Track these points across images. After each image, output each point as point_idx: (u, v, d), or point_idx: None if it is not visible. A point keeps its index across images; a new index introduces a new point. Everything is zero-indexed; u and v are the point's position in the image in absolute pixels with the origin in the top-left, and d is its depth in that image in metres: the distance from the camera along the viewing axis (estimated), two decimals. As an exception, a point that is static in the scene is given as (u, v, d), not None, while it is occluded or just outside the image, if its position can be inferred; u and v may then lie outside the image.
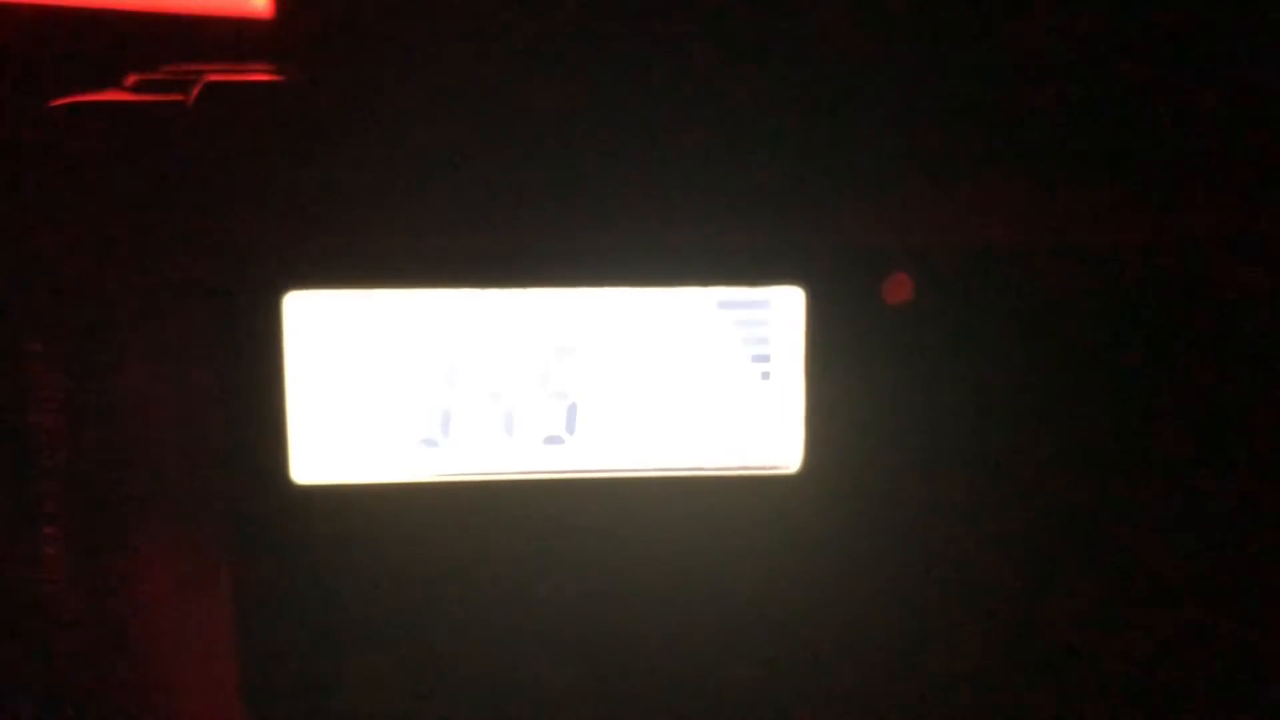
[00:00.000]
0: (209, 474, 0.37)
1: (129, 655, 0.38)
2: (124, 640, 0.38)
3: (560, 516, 0.39)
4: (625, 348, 0.38)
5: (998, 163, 0.38)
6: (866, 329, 0.38)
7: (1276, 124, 0.39)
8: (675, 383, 0.39)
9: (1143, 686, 0.41)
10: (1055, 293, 0.38)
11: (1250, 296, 0.39)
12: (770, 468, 0.39)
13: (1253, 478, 0.40)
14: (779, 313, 0.38)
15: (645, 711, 0.40)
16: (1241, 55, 0.39)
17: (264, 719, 0.39)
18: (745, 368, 0.39)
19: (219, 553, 0.38)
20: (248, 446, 0.37)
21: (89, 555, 0.38)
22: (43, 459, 0.37)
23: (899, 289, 0.38)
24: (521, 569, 0.39)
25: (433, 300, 0.37)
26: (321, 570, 0.38)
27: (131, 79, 0.38)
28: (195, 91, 0.36)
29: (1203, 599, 0.40)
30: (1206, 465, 0.40)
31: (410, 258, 0.37)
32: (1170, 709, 0.41)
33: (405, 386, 0.38)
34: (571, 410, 0.39)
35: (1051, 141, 0.38)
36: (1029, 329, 0.38)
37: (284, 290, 0.37)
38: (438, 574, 0.38)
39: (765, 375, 0.39)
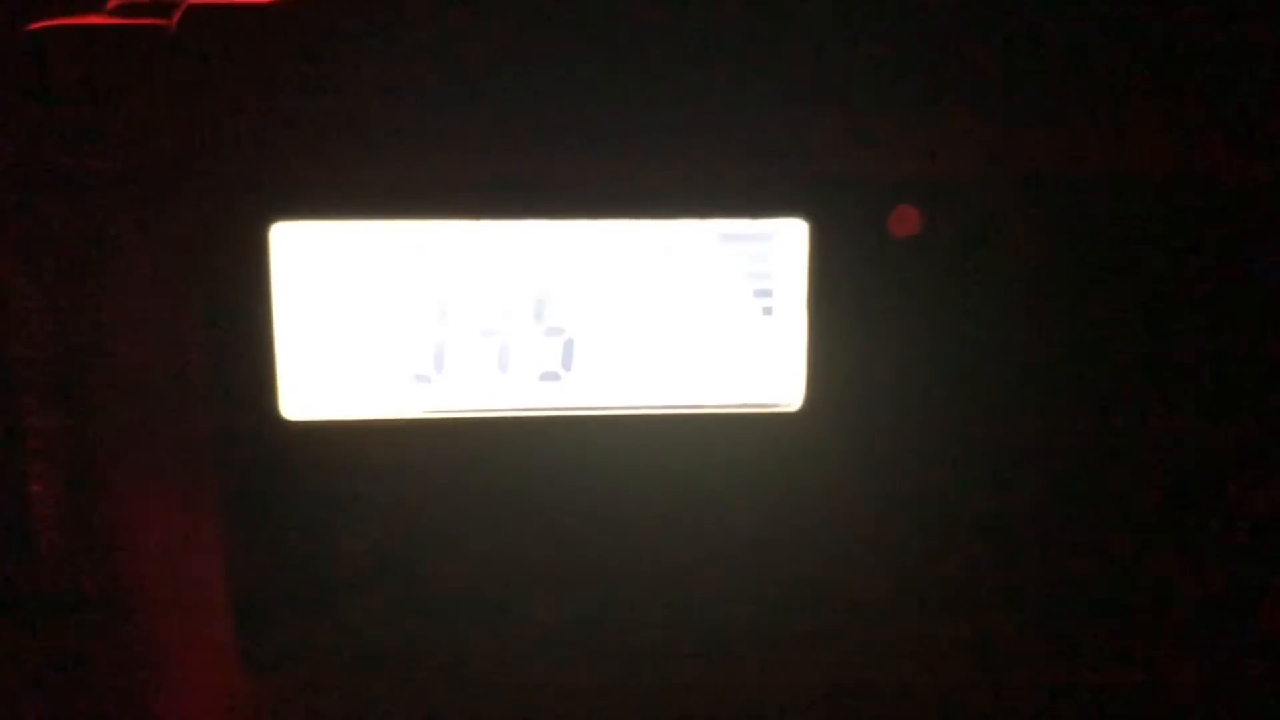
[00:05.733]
0: (197, 410, 0.37)
1: (119, 592, 0.38)
2: (113, 577, 0.38)
3: (556, 454, 0.38)
4: (623, 282, 0.37)
5: (1006, 92, 0.37)
6: (871, 262, 0.37)
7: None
8: (675, 318, 0.38)
9: (1141, 620, 0.40)
10: (1064, 223, 0.37)
11: (1262, 224, 0.38)
12: (772, 405, 0.38)
13: (1260, 412, 0.39)
14: (782, 246, 0.37)
15: (642, 648, 0.39)
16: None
17: (257, 654, 0.39)
18: (747, 303, 0.38)
19: (209, 490, 0.37)
20: (236, 382, 0.37)
21: (77, 493, 0.37)
22: (29, 395, 0.37)
23: (905, 221, 0.37)
24: (516, 506, 0.38)
25: (425, 232, 0.37)
26: (312, 508, 0.38)
27: (113, 3, 0.37)
28: (177, 15, 0.35)
29: (1201, 531, 0.40)
30: (1215, 398, 0.39)
31: (402, 188, 0.36)
32: (1160, 637, 0.41)
33: (397, 321, 0.37)
34: (568, 346, 0.38)
35: (1059, 69, 0.37)
36: (1037, 261, 0.37)
37: (270, 221, 0.36)
38: (430, 512, 0.38)
39: (767, 310, 0.38)
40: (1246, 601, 0.41)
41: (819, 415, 0.38)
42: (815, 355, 0.38)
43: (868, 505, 0.39)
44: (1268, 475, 0.40)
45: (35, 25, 0.36)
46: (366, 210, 0.36)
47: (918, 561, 0.39)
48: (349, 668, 0.39)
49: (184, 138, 0.35)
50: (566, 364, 0.38)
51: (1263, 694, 0.41)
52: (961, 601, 0.40)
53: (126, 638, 0.38)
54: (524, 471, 0.38)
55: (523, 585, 0.39)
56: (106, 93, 0.35)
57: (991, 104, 0.37)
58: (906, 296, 0.37)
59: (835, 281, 0.37)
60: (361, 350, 0.37)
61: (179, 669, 0.39)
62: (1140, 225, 0.37)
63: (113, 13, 0.37)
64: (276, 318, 0.36)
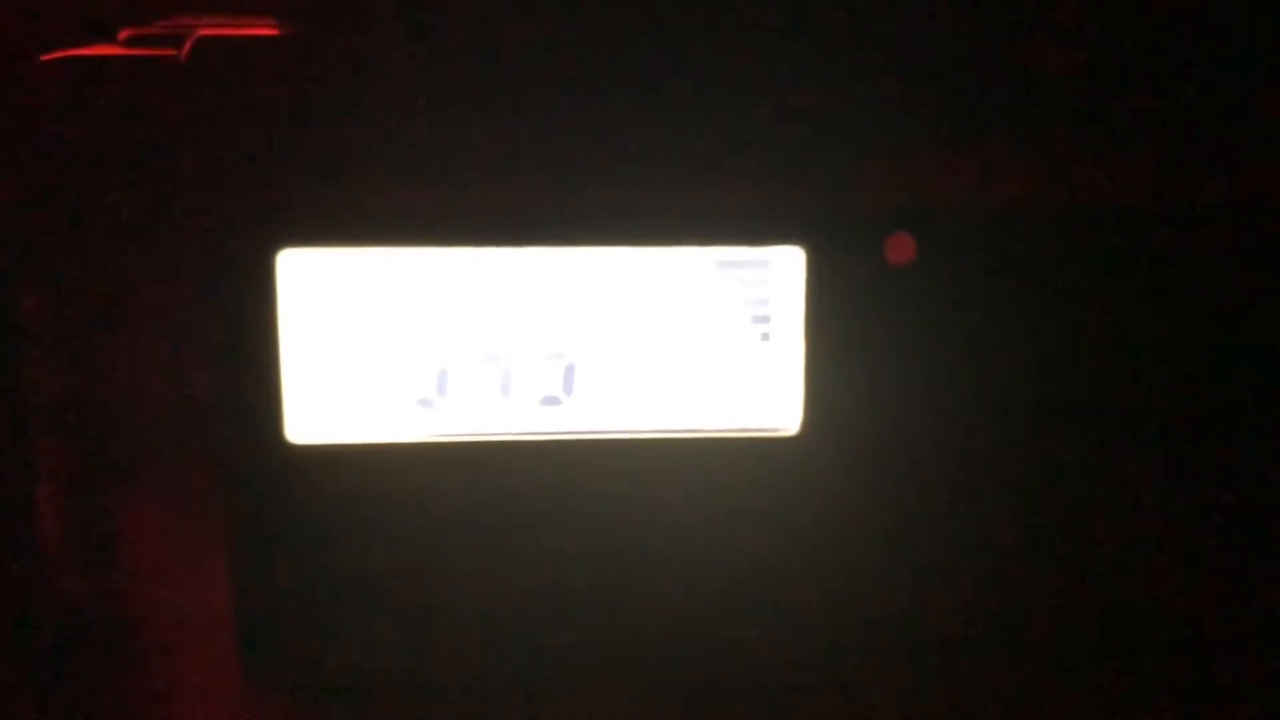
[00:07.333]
0: (204, 434, 0.37)
1: (125, 614, 0.38)
2: (119, 599, 0.38)
3: (557, 478, 0.38)
4: (624, 308, 0.38)
5: (1001, 123, 0.37)
6: (868, 289, 0.38)
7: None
8: (674, 344, 0.38)
9: (1144, 647, 0.41)
10: (1057, 253, 0.38)
11: (1253, 257, 0.38)
12: (770, 429, 0.39)
13: (1254, 436, 0.39)
14: (779, 273, 0.38)
15: (643, 670, 0.40)
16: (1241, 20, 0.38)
17: (261, 677, 0.39)
18: (745, 329, 0.38)
19: (214, 513, 0.38)
20: (242, 406, 0.37)
21: (84, 514, 0.38)
22: (38, 418, 0.37)
23: (901, 249, 0.38)
24: (518, 530, 0.38)
25: (429, 259, 0.37)
26: (317, 530, 0.38)
27: (124, 33, 0.38)
28: (187, 46, 0.36)
29: (1201, 556, 0.40)
30: (1210, 422, 0.39)
31: (406, 215, 0.37)
32: (1156, 661, 0.41)
33: (401, 346, 0.37)
34: (569, 371, 0.38)
35: (1054, 102, 0.37)
36: (1030, 289, 0.38)
37: (278, 248, 0.36)
38: (434, 535, 0.38)
39: (765, 336, 0.38)
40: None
41: (816, 439, 0.38)
42: (813, 380, 0.38)
43: (865, 528, 0.39)
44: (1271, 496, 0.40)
45: (47, 55, 0.36)
46: (373, 237, 0.36)
47: (915, 583, 0.40)
48: (353, 690, 0.39)
49: (193, 166, 0.36)
50: (568, 388, 0.38)
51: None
52: (960, 624, 0.40)
53: (132, 659, 0.39)
54: (525, 494, 0.38)
55: (523, 607, 0.39)
56: (116, 122, 0.36)
57: (988, 135, 0.37)
58: (902, 322, 0.38)
59: (832, 308, 0.38)
60: (366, 375, 0.38)
61: (184, 690, 0.39)
62: (1136, 254, 0.38)
63: (123, 43, 0.37)
64: (283, 343, 0.37)
